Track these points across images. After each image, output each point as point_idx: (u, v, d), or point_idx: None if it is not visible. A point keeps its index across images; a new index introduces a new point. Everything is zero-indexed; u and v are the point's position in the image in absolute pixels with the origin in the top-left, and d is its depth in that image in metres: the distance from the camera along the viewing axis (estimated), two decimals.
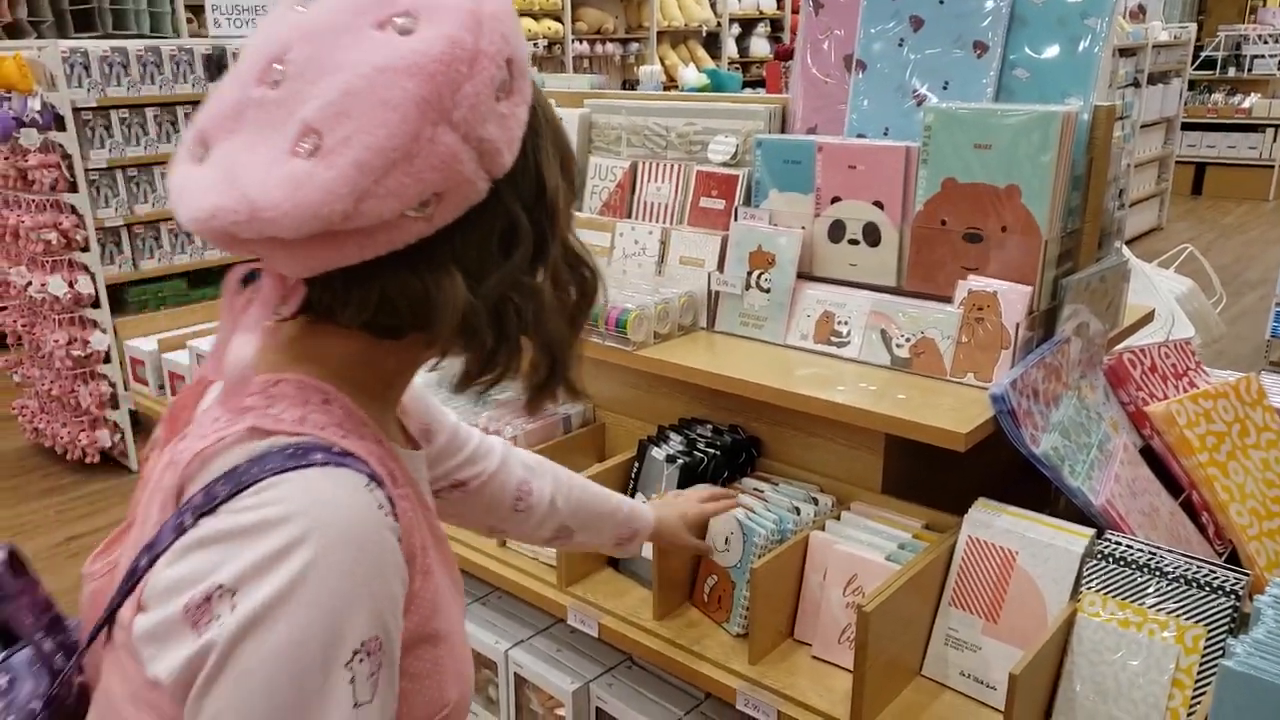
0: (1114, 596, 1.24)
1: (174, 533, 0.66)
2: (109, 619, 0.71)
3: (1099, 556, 1.27)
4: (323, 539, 0.63)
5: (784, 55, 6.23)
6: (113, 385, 3.91)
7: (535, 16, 7.75)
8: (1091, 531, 1.30)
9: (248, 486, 0.65)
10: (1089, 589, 1.26)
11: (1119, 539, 1.28)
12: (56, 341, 3.73)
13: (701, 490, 1.46)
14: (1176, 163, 8.81)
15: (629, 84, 7.74)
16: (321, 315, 0.74)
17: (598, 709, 1.64)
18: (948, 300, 1.51)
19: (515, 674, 1.73)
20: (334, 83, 0.64)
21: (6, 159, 3.66)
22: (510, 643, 1.75)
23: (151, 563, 0.66)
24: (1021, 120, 1.41)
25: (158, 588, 0.65)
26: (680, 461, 1.58)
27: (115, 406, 3.96)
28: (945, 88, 1.60)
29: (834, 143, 1.62)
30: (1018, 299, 1.44)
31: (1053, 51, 1.53)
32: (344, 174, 0.63)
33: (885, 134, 1.65)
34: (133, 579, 0.68)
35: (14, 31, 5.51)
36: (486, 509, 1.16)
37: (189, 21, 6.09)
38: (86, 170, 3.73)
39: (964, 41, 1.59)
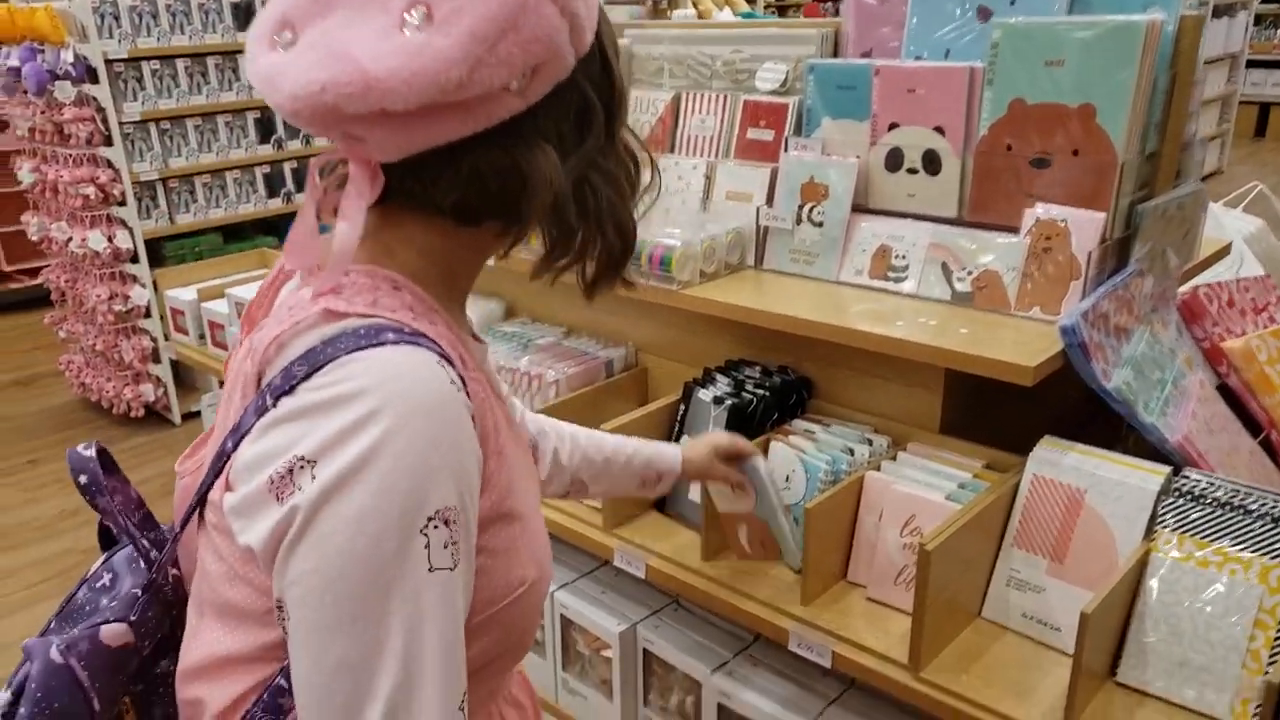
0: (1191, 535, 1.17)
1: (256, 414, 0.69)
2: (200, 502, 0.75)
3: (1176, 494, 1.20)
4: (398, 410, 0.65)
5: None
6: (154, 340, 3.93)
7: None
8: (1167, 469, 1.23)
9: (323, 365, 0.67)
10: (1164, 528, 1.19)
11: (1199, 476, 1.21)
12: (98, 296, 3.75)
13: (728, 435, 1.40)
14: (1240, 102, 8.41)
15: None
16: (401, 203, 0.75)
17: (645, 650, 1.61)
18: (1013, 230, 1.43)
19: (562, 615, 1.70)
20: None
21: (43, 113, 3.65)
22: (556, 585, 1.72)
23: (237, 444, 0.70)
24: (1099, 32, 1.32)
25: (243, 465, 0.68)
26: (728, 403, 1.53)
27: (157, 361, 3.98)
28: (1012, 3, 1.51)
29: (892, 65, 1.54)
30: (1090, 227, 1.36)
31: None
32: (459, 41, 0.64)
33: (946, 56, 1.56)
34: (221, 461, 0.71)
35: None
36: None
37: None
38: (120, 123, 3.71)
39: None
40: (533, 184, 0.71)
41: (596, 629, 1.64)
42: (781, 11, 8.95)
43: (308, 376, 0.67)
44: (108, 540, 0.92)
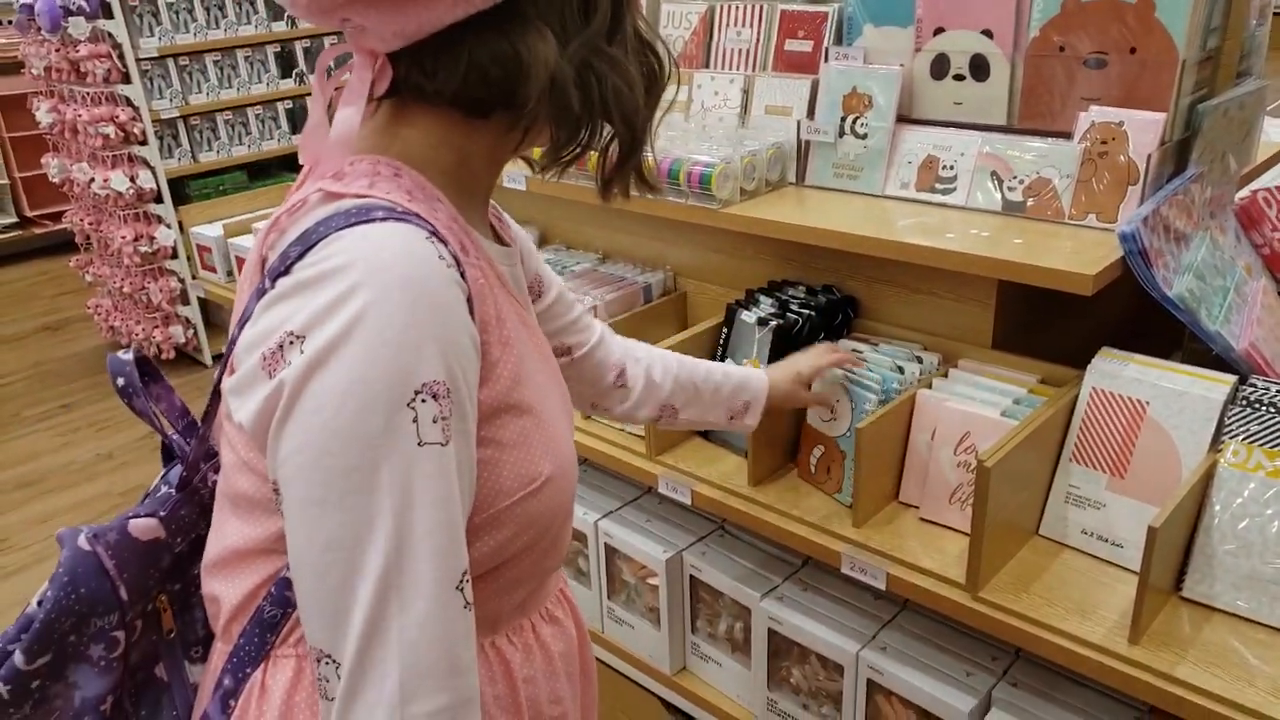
0: (1260, 445, 1.14)
1: (256, 296, 0.69)
2: (216, 394, 0.75)
3: (1243, 403, 1.17)
4: (380, 282, 0.64)
5: None
6: (181, 281, 3.92)
7: None
8: (1233, 378, 1.19)
9: (315, 244, 0.66)
10: (1231, 438, 1.16)
11: (1267, 383, 1.18)
12: (123, 238, 3.74)
13: (818, 348, 1.38)
14: (1275, 14, 8.15)
15: None
16: (411, 97, 0.74)
17: (691, 577, 1.61)
18: (1067, 136, 1.38)
19: (606, 544, 1.70)
20: None
21: (58, 51, 3.60)
22: (599, 514, 1.72)
23: (241, 329, 0.70)
24: None
25: (243, 346, 0.68)
26: (773, 324, 1.49)
27: (186, 302, 3.98)
28: None
29: None
30: (1149, 129, 1.30)
31: None
32: None
33: None
34: (230, 348, 0.72)
35: None
36: (590, 382, 1.16)
37: None
38: (138, 60, 3.65)
39: None
40: (530, 68, 0.69)
41: (641, 556, 1.63)
42: None
43: (301, 256, 0.66)
44: (170, 456, 0.92)
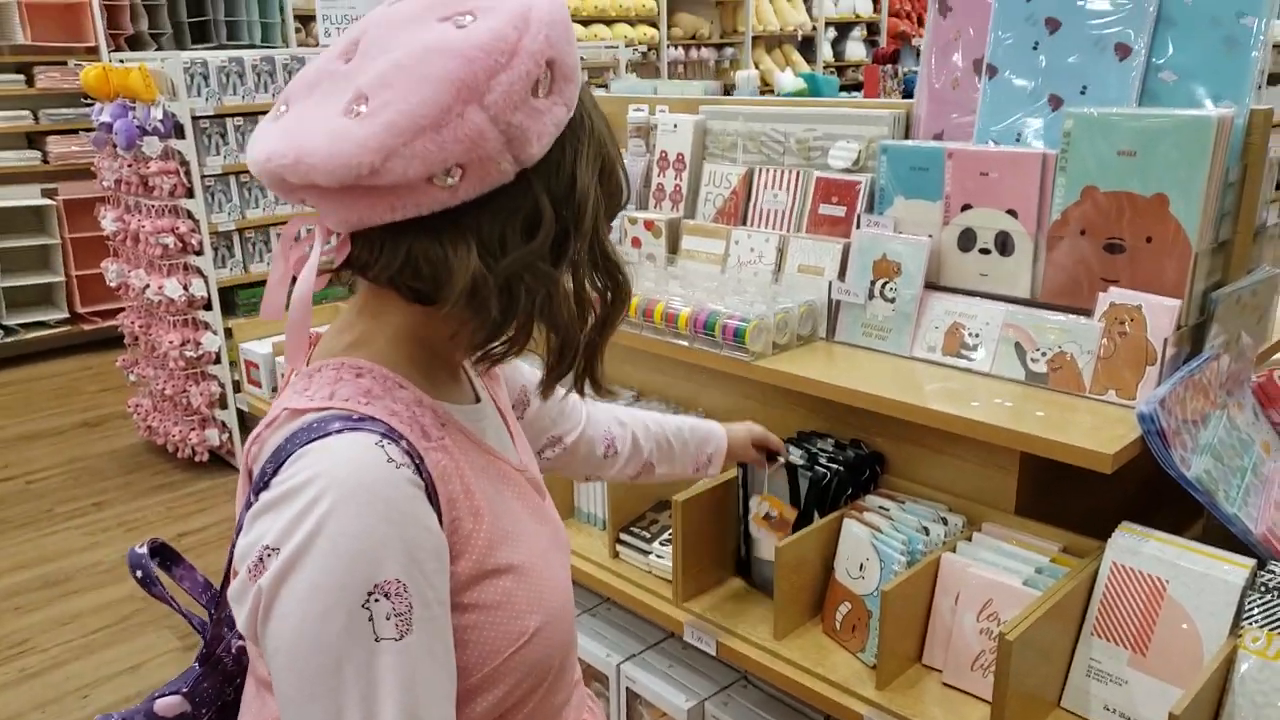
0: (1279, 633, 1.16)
1: (245, 509, 0.77)
2: (225, 584, 0.85)
3: (1262, 589, 1.19)
4: (335, 494, 0.71)
5: (882, 59, 6.11)
6: (222, 386, 4.03)
7: (631, 22, 7.77)
8: (1252, 562, 1.22)
9: (284, 461, 0.74)
10: (1251, 623, 1.18)
11: None
12: (171, 342, 3.87)
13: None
14: None
15: (725, 89, 7.70)
16: (368, 280, 0.82)
17: None
18: (1086, 313, 1.44)
19: (628, 689, 1.72)
20: (389, 58, 0.73)
21: (130, 166, 3.81)
22: (622, 656, 1.74)
23: (238, 536, 0.77)
24: (1171, 125, 1.34)
25: (238, 556, 0.75)
26: (807, 476, 1.54)
27: (224, 406, 4.08)
28: (1083, 92, 1.53)
29: (965, 149, 1.57)
30: (1165, 313, 1.37)
31: (1203, 52, 1.45)
32: (374, 132, 0.70)
33: (1017, 141, 1.59)
34: (230, 556, 0.80)
35: (135, 43, 5.76)
36: (584, 459, 1.29)
37: (297, 31, 6.28)
38: (203, 176, 3.86)
39: (1104, 44, 1.52)
40: (454, 272, 0.76)
41: (664, 704, 1.65)
42: (840, 72, 9.03)
43: (275, 472, 0.74)
44: None
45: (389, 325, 0.84)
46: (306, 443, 0.74)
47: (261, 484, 0.75)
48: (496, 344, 0.83)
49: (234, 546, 0.78)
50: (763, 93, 6.78)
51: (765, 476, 1.58)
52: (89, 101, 4.06)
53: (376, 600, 0.70)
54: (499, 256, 0.77)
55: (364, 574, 0.70)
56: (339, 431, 0.74)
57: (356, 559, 0.70)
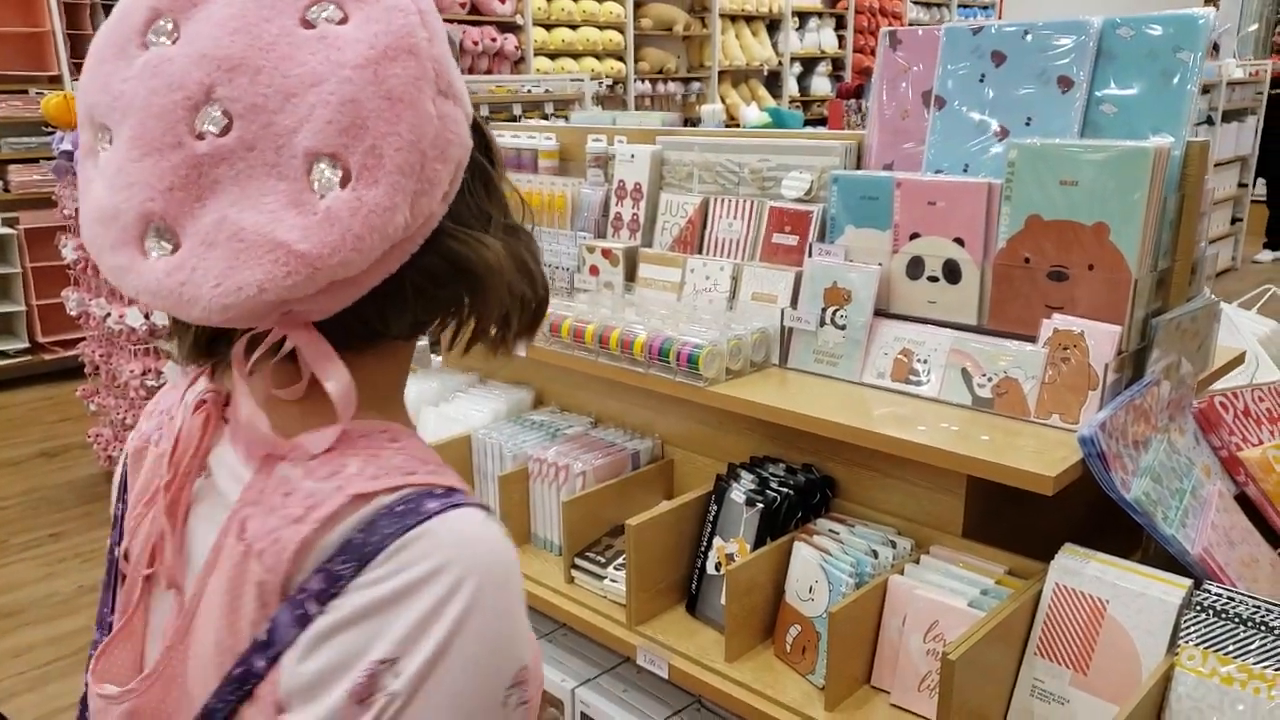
0: (1214, 651, 1.18)
1: (297, 626, 0.61)
2: None
3: (1198, 608, 1.22)
4: (475, 583, 0.61)
5: (846, 93, 6.22)
6: None
7: (599, 56, 7.87)
8: (1189, 582, 1.24)
9: (373, 557, 0.61)
10: (1187, 642, 1.20)
11: (1219, 590, 1.23)
12: (132, 371, 3.83)
13: None
14: (1252, 202, 8.56)
15: (690, 122, 7.80)
16: (353, 344, 0.69)
17: None
18: (1031, 339, 1.47)
19: (582, 714, 1.71)
20: (317, 99, 0.58)
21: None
22: (577, 681, 1.73)
23: (272, 661, 0.61)
24: (1111, 156, 1.38)
25: (300, 684, 0.60)
26: (759, 506, 1.55)
27: None
28: (1028, 124, 1.57)
29: (913, 179, 1.60)
30: (1106, 339, 1.40)
31: (1142, 86, 1.49)
32: (390, 185, 0.59)
33: (964, 170, 1.63)
34: (245, 685, 0.62)
35: None
36: None
37: None
38: None
39: (1047, 77, 1.56)
40: (478, 272, 0.68)
41: None
42: (806, 107, 9.18)
43: (358, 573, 0.60)
44: None
45: (369, 374, 0.70)
46: (402, 532, 0.61)
47: (334, 592, 0.60)
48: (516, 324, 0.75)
49: (252, 677, 0.61)
50: (729, 126, 6.87)
51: (740, 518, 1.58)
52: (50, 130, 4.05)
53: (513, 689, 0.63)
54: (494, 229, 0.72)
55: (509, 669, 0.63)
56: (441, 511, 0.62)
57: (501, 654, 0.62)
